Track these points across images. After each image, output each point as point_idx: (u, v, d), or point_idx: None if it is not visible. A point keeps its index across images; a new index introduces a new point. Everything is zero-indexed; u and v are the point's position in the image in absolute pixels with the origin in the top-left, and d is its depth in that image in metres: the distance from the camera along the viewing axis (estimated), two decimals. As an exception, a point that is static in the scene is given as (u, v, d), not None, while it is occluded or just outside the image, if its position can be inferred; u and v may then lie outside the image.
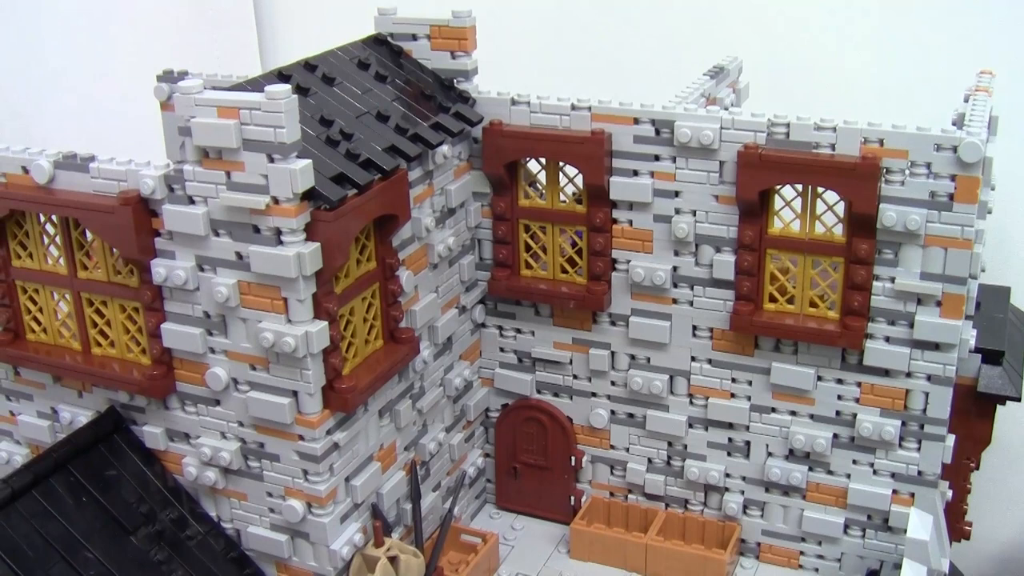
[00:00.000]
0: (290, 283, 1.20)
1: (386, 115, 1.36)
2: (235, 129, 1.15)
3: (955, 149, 1.28)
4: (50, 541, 1.24)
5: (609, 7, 1.94)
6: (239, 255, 1.22)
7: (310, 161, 1.17)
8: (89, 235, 1.33)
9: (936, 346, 1.36)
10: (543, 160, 1.51)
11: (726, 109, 1.63)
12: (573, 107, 1.45)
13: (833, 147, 1.33)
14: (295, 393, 1.26)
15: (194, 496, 1.39)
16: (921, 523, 1.36)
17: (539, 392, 1.62)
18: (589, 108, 1.44)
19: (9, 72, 1.84)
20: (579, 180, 1.49)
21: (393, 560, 1.36)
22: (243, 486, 1.35)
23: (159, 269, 1.26)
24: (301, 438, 1.28)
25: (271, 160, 1.16)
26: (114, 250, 1.30)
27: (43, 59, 1.90)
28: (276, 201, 1.17)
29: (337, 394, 1.27)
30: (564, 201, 1.52)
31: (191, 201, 1.22)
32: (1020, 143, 1.66)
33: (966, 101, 1.49)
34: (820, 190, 1.38)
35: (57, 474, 1.30)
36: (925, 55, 1.80)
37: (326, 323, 1.23)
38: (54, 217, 1.34)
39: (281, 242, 1.19)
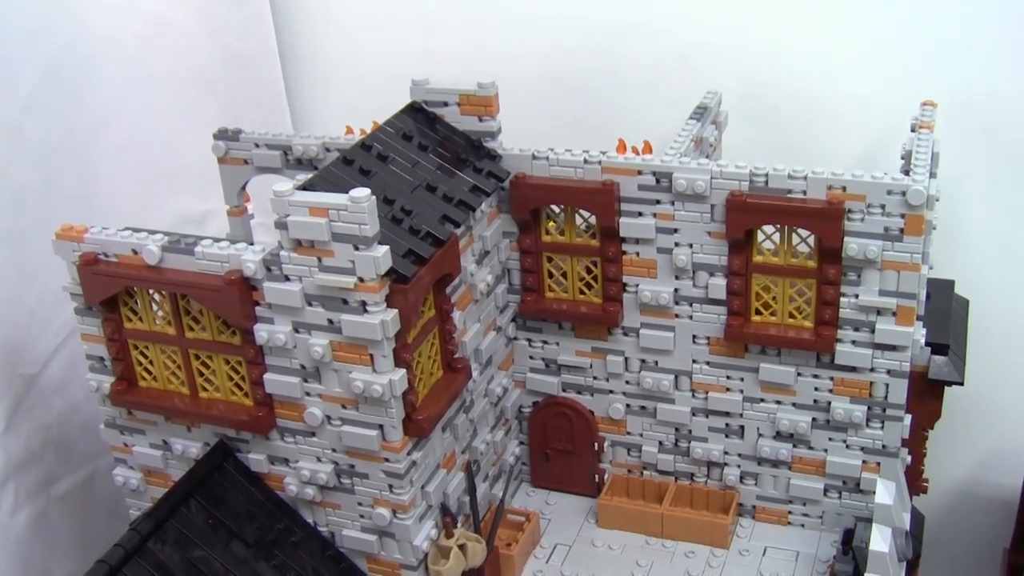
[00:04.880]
0: (376, 343, 1.47)
1: (434, 186, 1.62)
2: (326, 226, 1.41)
3: (904, 194, 1.55)
4: (192, 561, 1.52)
5: (602, 62, 2.19)
6: (330, 321, 1.48)
7: (388, 247, 1.43)
8: (193, 303, 1.59)
9: (893, 347, 1.65)
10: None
11: (711, 146, 1.91)
12: (586, 161, 1.71)
13: (804, 193, 1.60)
14: (381, 426, 1.53)
15: (292, 507, 1.67)
16: (886, 490, 1.66)
17: (564, 391, 1.90)
18: (599, 162, 1.70)
19: (61, 128, 2.00)
20: (592, 220, 1.76)
21: (462, 547, 1.67)
22: (337, 498, 1.62)
23: (261, 333, 1.52)
24: (387, 460, 1.56)
25: (357, 248, 1.42)
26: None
27: (86, 114, 2.05)
28: (362, 280, 1.44)
29: (414, 424, 1.55)
30: (580, 237, 1.79)
31: (287, 279, 1.48)
32: (960, 146, 1.93)
33: (913, 131, 1.77)
34: (795, 228, 1.66)
35: (187, 502, 1.58)
36: (876, 81, 2.07)
37: (404, 370, 1.50)
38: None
39: (367, 311, 1.46)
